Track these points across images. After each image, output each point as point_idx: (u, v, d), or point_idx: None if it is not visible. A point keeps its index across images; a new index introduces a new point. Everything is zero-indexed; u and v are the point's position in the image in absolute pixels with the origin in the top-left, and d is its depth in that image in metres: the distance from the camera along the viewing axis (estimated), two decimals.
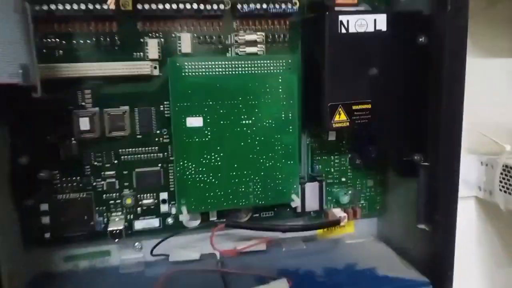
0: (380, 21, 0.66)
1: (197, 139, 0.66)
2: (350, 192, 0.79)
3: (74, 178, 0.66)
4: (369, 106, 0.68)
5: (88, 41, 0.63)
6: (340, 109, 0.66)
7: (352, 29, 0.65)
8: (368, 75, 0.67)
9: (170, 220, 0.71)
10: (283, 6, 0.67)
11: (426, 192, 0.66)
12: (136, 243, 0.72)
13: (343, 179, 0.79)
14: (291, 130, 0.70)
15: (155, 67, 0.66)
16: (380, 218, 0.84)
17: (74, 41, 0.63)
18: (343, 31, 0.64)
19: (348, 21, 0.64)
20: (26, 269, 0.67)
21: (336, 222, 0.74)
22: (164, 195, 0.70)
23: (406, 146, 0.70)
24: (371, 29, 0.65)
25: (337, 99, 0.66)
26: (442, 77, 0.61)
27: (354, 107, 0.67)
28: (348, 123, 0.67)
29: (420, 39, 0.65)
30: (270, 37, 0.69)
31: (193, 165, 0.67)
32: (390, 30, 0.66)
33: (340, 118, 0.67)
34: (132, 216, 0.70)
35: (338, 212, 0.77)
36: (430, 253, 0.67)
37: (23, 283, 0.65)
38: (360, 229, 0.83)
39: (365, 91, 0.67)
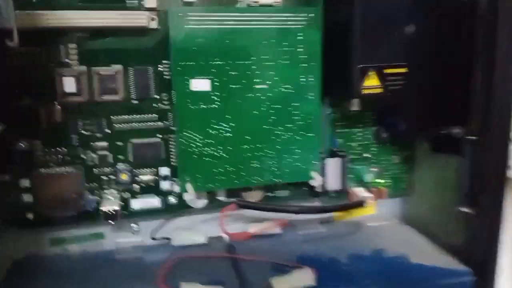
0: None
1: (203, 106, 0.57)
2: (374, 169, 0.70)
3: (59, 149, 0.57)
4: (404, 70, 0.58)
5: None
6: (371, 73, 0.56)
7: None
8: (404, 34, 0.56)
9: (172, 199, 0.62)
10: None
11: (471, 170, 0.57)
12: (133, 225, 0.63)
13: (367, 155, 0.70)
14: (312, 98, 0.60)
15: (152, 19, 0.55)
16: (405, 198, 0.75)
17: None
18: None
19: None
20: (7, 254, 0.58)
21: (360, 204, 0.65)
22: (165, 171, 0.61)
23: (443, 118, 0.60)
24: None
25: (368, 61, 0.56)
26: (494, 37, 0.51)
27: (387, 71, 0.57)
28: (380, 90, 0.57)
29: None
30: None
31: (199, 137, 0.58)
32: None
33: (371, 83, 0.57)
34: (128, 194, 0.61)
35: (361, 192, 0.68)
36: (470, 239, 0.58)
37: (3, 270, 0.56)
38: (382, 210, 0.74)
39: (400, 52, 0.57)
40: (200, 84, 0.56)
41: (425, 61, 0.58)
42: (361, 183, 0.70)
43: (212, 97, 0.57)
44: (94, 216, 0.59)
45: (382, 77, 0.57)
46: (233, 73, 0.57)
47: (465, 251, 0.59)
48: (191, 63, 0.55)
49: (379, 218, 0.74)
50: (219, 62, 0.56)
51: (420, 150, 0.70)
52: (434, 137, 0.62)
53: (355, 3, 0.54)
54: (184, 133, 0.57)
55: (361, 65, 0.56)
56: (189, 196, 0.58)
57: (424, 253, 0.63)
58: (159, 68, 0.58)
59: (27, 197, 0.57)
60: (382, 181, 0.71)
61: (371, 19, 0.55)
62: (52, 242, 0.61)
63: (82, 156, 0.58)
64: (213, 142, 0.58)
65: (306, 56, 0.59)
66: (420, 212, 0.72)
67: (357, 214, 0.72)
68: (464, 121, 0.59)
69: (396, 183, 0.73)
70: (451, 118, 0.60)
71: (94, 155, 0.58)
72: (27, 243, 0.60)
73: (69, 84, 0.54)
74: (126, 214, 0.61)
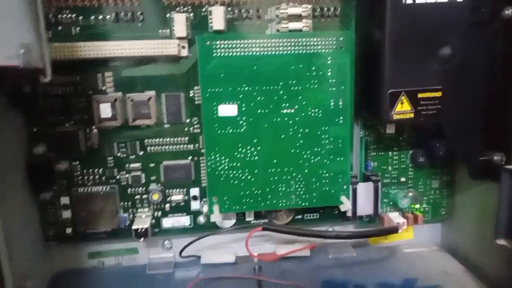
0: None
1: (230, 130, 0.57)
2: (410, 194, 0.67)
3: (96, 170, 0.60)
4: (439, 94, 0.55)
5: (108, 16, 0.56)
6: (403, 97, 0.55)
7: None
8: (438, 56, 0.55)
9: (201, 219, 0.64)
10: None
11: (509, 200, 0.53)
12: (166, 241, 0.66)
13: (403, 179, 0.67)
14: (341, 121, 0.59)
15: (183, 47, 0.57)
16: (445, 224, 0.71)
17: (92, 17, 0.56)
18: (409, 1, 0.52)
19: None
20: (47, 266, 0.62)
21: (393, 230, 0.63)
22: (195, 191, 0.63)
23: (484, 143, 0.57)
24: None
25: (399, 85, 0.54)
26: None
27: (420, 95, 0.55)
28: (412, 115, 0.55)
29: (507, 12, 0.52)
30: (318, 10, 0.58)
31: (226, 160, 0.58)
32: (468, 1, 0.53)
33: (403, 108, 0.55)
34: (160, 213, 0.63)
35: (395, 217, 0.66)
36: (510, 274, 0.55)
37: (45, 282, 0.61)
38: (421, 236, 0.71)
39: (434, 76, 0.55)
40: (228, 110, 0.57)
41: (462, 84, 0.56)
42: (396, 207, 0.68)
43: (239, 121, 0.57)
44: (128, 232, 0.61)
45: (414, 101, 0.55)
46: (260, 98, 0.57)
47: (505, 286, 0.55)
48: (219, 89, 0.56)
49: (417, 244, 0.71)
50: (247, 88, 0.57)
51: (461, 175, 0.67)
52: (475, 163, 0.59)
53: (386, 25, 0.52)
54: (212, 156, 0.58)
55: (391, 90, 0.54)
56: (216, 218, 0.59)
57: (462, 284, 0.60)
58: (190, 94, 0.59)
59: (67, 214, 0.61)
60: (418, 206, 0.68)
61: (403, 41, 0.53)
62: (90, 256, 0.65)
63: (117, 176, 0.61)
64: (240, 165, 0.59)
65: (335, 80, 0.58)
66: (460, 240, 0.68)
67: (393, 239, 0.70)
68: (505, 147, 0.55)
69: (435, 209, 0.69)
70: (493, 144, 0.57)
71: (128, 176, 0.61)
72: (67, 257, 0.64)
73: (105, 110, 0.57)
74: (157, 232, 0.63)
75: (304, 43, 0.57)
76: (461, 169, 0.66)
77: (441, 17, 0.53)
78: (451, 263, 0.66)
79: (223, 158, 0.58)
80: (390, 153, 0.66)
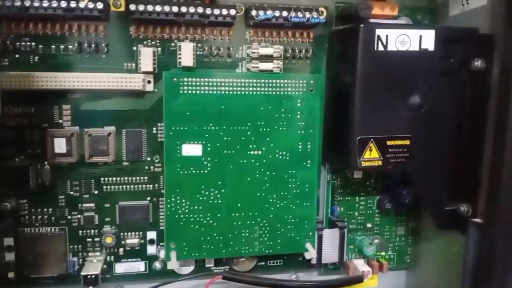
0: (427, 39, 0.53)
1: (193, 171, 0.55)
2: (376, 241, 0.66)
3: (45, 209, 0.56)
4: (407, 142, 0.55)
5: (70, 46, 0.53)
6: (371, 144, 0.54)
7: (391, 47, 0.52)
8: (408, 104, 0.54)
9: (158, 265, 0.59)
10: (307, 15, 0.55)
11: (475, 255, 0.53)
12: None
13: (369, 225, 0.66)
14: (309, 165, 0.58)
15: (148, 81, 0.55)
16: (410, 272, 0.70)
17: (53, 46, 0.53)
18: (381, 48, 0.52)
19: (387, 36, 0.52)
20: None
21: (359, 279, 0.61)
22: (152, 235, 0.59)
23: (450, 193, 0.57)
24: (415, 47, 0.53)
25: (368, 132, 0.54)
26: (507, 111, 0.48)
27: (389, 143, 0.54)
28: (380, 162, 0.55)
29: (476, 63, 0.53)
30: (290, 51, 0.58)
31: (187, 202, 0.55)
32: (438, 50, 0.54)
33: (371, 155, 0.54)
34: (112, 258, 0.58)
35: (360, 265, 0.65)
36: None
37: None
38: (385, 284, 0.69)
39: (404, 123, 0.55)
40: (192, 149, 0.54)
41: (430, 133, 0.55)
42: (362, 254, 0.66)
43: (204, 162, 0.55)
44: (77, 278, 0.56)
45: (383, 149, 0.54)
46: (226, 138, 0.55)
47: None
48: (184, 127, 0.54)
49: None
50: (213, 127, 0.54)
51: (427, 223, 0.66)
52: (440, 213, 0.58)
53: (357, 71, 0.52)
54: (172, 198, 0.55)
55: (360, 136, 0.54)
56: (173, 265, 0.55)
57: None
58: (153, 131, 0.56)
59: (10, 256, 0.55)
60: (383, 253, 0.67)
61: (373, 87, 0.53)
62: None
63: (68, 216, 0.56)
64: (202, 208, 0.55)
65: (304, 123, 0.57)
66: None
67: (358, 286, 0.68)
68: (472, 199, 0.55)
69: (400, 256, 0.68)
70: (459, 194, 0.57)
71: (80, 216, 0.56)
72: None
73: (59, 145, 0.53)
74: (108, 278, 0.58)
75: (274, 84, 0.55)
76: (427, 217, 0.65)
77: (412, 65, 0.53)
78: None
79: (184, 200, 0.55)
80: (357, 198, 0.65)
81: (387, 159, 0.55)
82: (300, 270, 0.65)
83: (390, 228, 0.67)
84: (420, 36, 0.53)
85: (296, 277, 0.65)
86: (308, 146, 0.57)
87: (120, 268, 0.58)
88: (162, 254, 0.58)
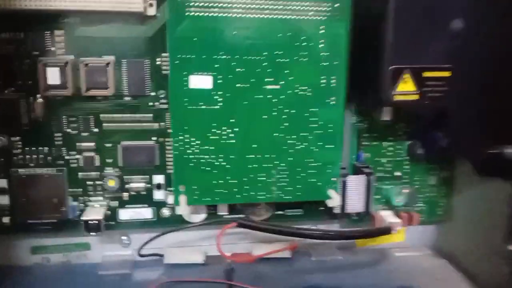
0: None
1: (203, 106, 0.49)
2: (406, 191, 0.60)
3: (40, 148, 0.51)
4: (447, 73, 0.48)
5: None
6: (406, 75, 0.47)
7: None
8: (449, 30, 0.46)
9: (166, 212, 0.55)
10: None
11: None
12: (123, 237, 0.56)
13: (398, 174, 0.60)
14: (333, 102, 0.51)
15: (150, 4, 0.48)
16: (442, 226, 0.64)
17: None
18: None
19: None
20: None
21: (386, 231, 0.55)
22: (159, 179, 0.54)
23: (494, 134, 0.50)
24: None
25: (403, 61, 0.46)
26: None
27: (425, 74, 0.47)
28: (417, 96, 0.48)
29: None
30: None
31: (197, 142, 0.49)
32: None
33: (406, 87, 0.47)
34: (116, 203, 0.54)
35: (388, 216, 0.58)
36: None
37: None
38: (413, 238, 0.64)
39: (443, 52, 0.47)
40: (201, 81, 0.48)
41: (474, 64, 0.48)
42: (389, 205, 0.60)
43: (215, 96, 0.48)
44: (78, 224, 0.52)
45: (419, 81, 0.47)
46: (240, 69, 0.48)
47: None
48: (191, 56, 0.47)
49: (409, 247, 0.64)
50: (224, 57, 0.48)
51: (462, 171, 0.59)
52: (481, 157, 0.51)
53: None
54: (180, 137, 0.49)
55: (394, 66, 0.46)
56: (182, 210, 0.50)
57: None
58: (156, 62, 0.50)
59: (3, 200, 0.51)
60: (413, 205, 0.61)
61: (410, 9, 0.45)
62: (32, 251, 0.55)
63: (66, 157, 0.51)
64: (214, 149, 0.50)
65: (329, 53, 0.50)
66: (457, 244, 0.61)
67: (383, 241, 0.62)
68: None
69: (431, 208, 0.62)
70: (504, 135, 0.49)
71: (79, 157, 0.51)
72: (4, 251, 0.54)
73: (53, 75, 0.48)
74: (113, 225, 0.54)
75: (293, 7, 0.48)
76: (462, 164, 0.59)
77: None
78: (447, 270, 0.59)
79: (193, 139, 0.49)
80: (384, 143, 0.59)
81: (424, 93, 0.48)
82: (321, 221, 0.59)
83: (421, 177, 0.61)
84: None
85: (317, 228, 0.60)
86: (333, 81, 0.50)
87: (125, 214, 0.54)
88: (170, 199, 0.53)
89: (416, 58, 0.47)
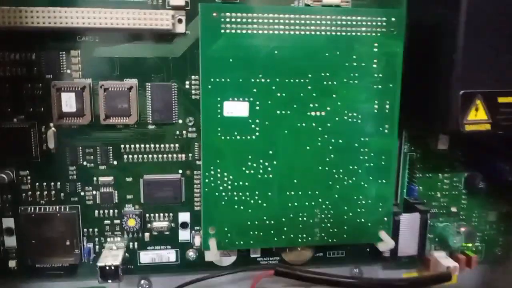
0: None
1: (238, 137, 0.42)
2: (463, 229, 0.52)
3: (52, 183, 0.45)
4: None
5: None
6: (479, 101, 0.40)
7: None
8: None
9: (192, 254, 0.48)
10: None
11: None
12: (143, 282, 0.50)
13: (454, 209, 0.52)
14: (386, 131, 0.44)
15: (179, 20, 0.42)
16: (499, 267, 0.56)
17: None
18: None
19: None
20: None
21: (445, 278, 0.48)
22: (185, 217, 0.47)
23: None
24: None
25: (475, 85, 0.39)
26: None
27: (501, 100, 0.40)
28: (488, 126, 0.40)
29: None
30: None
31: (230, 177, 0.43)
32: None
33: (478, 116, 0.40)
34: (136, 245, 0.47)
35: (443, 259, 0.51)
36: None
37: None
38: (466, 280, 0.56)
39: None
40: (236, 108, 0.42)
41: None
42: (445, 245, 0.52)
43: (251, 125, 0.42)
44: (92, 269, 0.46)
45: (493, 107, 0.40)
46: (280, 94, 0.42)
47: None
48: (226, 79, 0.41)
49: None
50: (263, 80, 0.42)
51: None
52: None
53: (462, 2, 0.38)
54: (211, 171, 0.43)
55: (465, 90, 0.40)
56: (212, 256, 0.43)
57: None
58: (185, 85, 0.44)
59: (10, 241, 0.45)
60: (470, 245, 0.53)
61: (483, 25, 0.39)
62: None
63: (81, 193, 0.45)
64: (249, 184, 0.43)
65: (382, 75, 0.43)
66: None
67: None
68: None
69: (489, 247, 0.55)
70: None
71: (95, 193, 0.45)
72: None
73: (68, 101, 0.42)
74: (132, 269, 0.47)
75: (342, 23, 0.42)
76: None
77: None
78: None
79: (225, 174, 0.43)
80: (440, 175, 0.52)
81: (498, 122, 0.41)
82: (365, 263, 0.52)
83: (480, 213, 0.53)
84: None
85: (358, 272, 0.52)
86: (387, 106, 0.44)
87: (146, 257, 0.47)
88: (197, 241, 0.47)
89: (489, 82, 0.40)
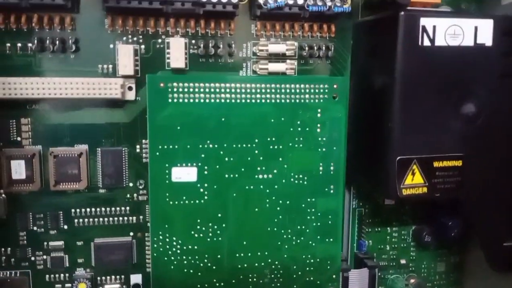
0: (484, 31, 0.42)
1: (187, 201, 0.43)
2: (412, 281, 0.54)
3: (2, 249, 0.45)
4: (459, 163, 0.43)
5: (29, 44, 0.42)
6: (414, 167, 0.42)
7: (440, 41, 0.41)
8: (461, 115, 0.42)
9: None
10: (328, 2, 0.43)
11: None
12: None
13: (403, 261, 0.54)
14: (332, 191, 0.46)
15: (129, 88, 0.44)
16: None
17: (9, 44, 0.42)
18: (426, 43, 0.41)
19: (434, 28, 0.41)
20: None
21: None
22: (137, 278, 0.47)
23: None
24: (469, 42, 0.42)
25: (410, 151, 0.42)
26: None
27: (436, 164, 0.43)
28: (425, 189, 0.43)
29: None
30: (306, 49, 0.46)
31: (179, 241, 0.44)
32: (497, 46, 0.42)
33: (414, 180, 0.42)
34: None
35: None
36: None
37: None
38: None
39: (455, 139, 0.43)
40: (184, 174, 0.43)
41: (488, 150, 0.44)
42: None
43: (200, 189, 0.43)
44: None
45: (429, 172, 0.42)
46: (228, 159, 0.44)
47: None
48: (174, 146, 0.42)
49: None
50: (211, 146, 0.43)
51: (473, 257, 0.54)
52: (497, 250, 0.46)
53: (396, 73, 0.40)
54: (160, 236, 0.43)
55: (401, 157, 0.42)
56: None
57: None
58: (136, 149, 0.45)
59: None
60: None
61: (416, 93, 0.41)
62: None
63: (31, 258, 0.45)
64: (198, 249, 0.44)
65: (326, 138, 0.45)
66: None
67: None
68: None
69: None
70: None
71: (46, 257, 0.45)
72: None
73: (17, 169, 0.42)
74: None
75: (287, 90, 0.44)
76: (474, 250, 0.54)
77: (465, 65, 0.42)
78: None
79: (174, 238, 0.44)
80: (388, 228, 0.53)
81: (434, 185, 0.43)
82: None
83: (428, 265, 0.55)
84: (476, 28, 0.42)
85: None
86: (331, 168, 0.46)
87: None
88: None
89: (424, 147, 0.42)
